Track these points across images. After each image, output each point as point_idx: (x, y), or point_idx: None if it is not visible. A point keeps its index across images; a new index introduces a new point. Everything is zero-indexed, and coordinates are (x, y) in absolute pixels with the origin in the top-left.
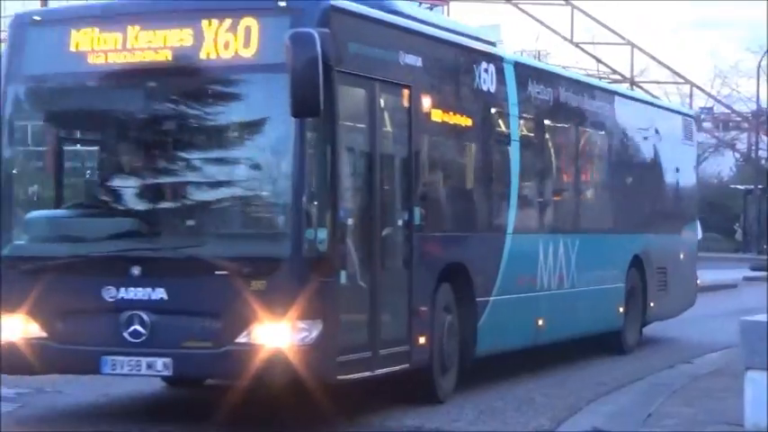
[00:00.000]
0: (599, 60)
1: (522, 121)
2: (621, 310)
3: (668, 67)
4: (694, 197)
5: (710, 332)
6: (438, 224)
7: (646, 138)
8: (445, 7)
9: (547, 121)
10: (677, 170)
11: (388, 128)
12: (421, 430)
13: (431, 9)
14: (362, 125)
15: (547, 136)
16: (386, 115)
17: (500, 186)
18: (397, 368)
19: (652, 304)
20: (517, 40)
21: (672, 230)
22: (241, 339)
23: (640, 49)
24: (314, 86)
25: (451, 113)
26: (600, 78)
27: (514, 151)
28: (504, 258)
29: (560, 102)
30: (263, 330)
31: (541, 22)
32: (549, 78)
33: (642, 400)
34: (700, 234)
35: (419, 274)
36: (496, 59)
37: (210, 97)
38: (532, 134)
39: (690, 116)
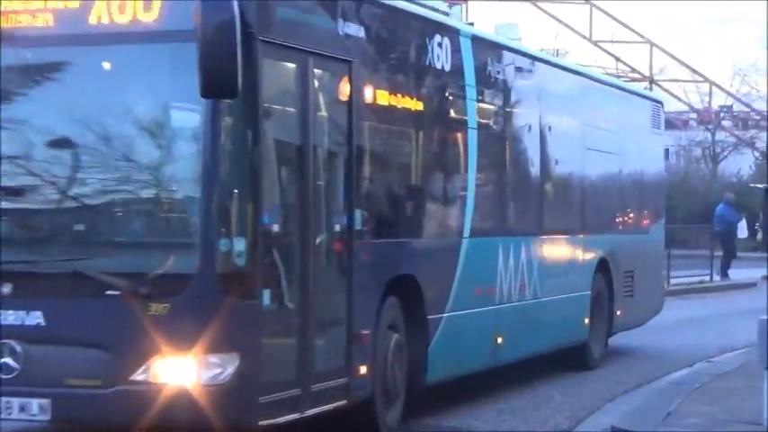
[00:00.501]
0: (618, 59)
1: (480, 106)
2: (586, 320)
3: (687, 66)
4: (662, 192)
5: (729, 331)
6: (383, 229)
7: (611, 125)
8: (464, 6)
9: (508, 107)
10: (645, 162)
11: (324, 112)
12: (440, 428)
13: (450, 7)
14: (292, 109)
15: (508, 123)
16: (321, 97)
17: (456, 182)
18: (332, 406)
19: (618, 312)
20: (536, 38)
21: (639, 230)
22: (137, 377)
23: (659, 48)
24: (229, 59)
25: (400, 96)
26: (619, 78)
27: (472, 141)
28: (459, 267)
29: (523, 84)
30: (164, 366)
31: (560, 21)
32: (511, 57)
33: (661, 399)
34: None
35: (361, 289)
36: (451, 32)
37: (101, 73)
38: (492, 121)
39: (658, 102)
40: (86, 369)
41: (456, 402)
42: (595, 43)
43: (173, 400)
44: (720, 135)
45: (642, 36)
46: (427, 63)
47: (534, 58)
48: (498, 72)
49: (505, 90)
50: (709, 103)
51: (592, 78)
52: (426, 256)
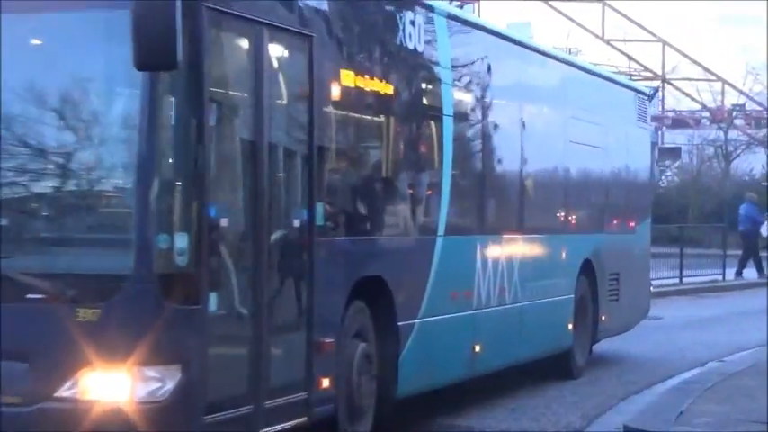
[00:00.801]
0: (630, 58)
1: (457, 92)
2: (570, 326)
3: (700, 65)
4: (649, 189)
5: (741, 330)
6: (349, 225)
7: (596, 118)
8: (476, 5)
9: (487, 94)
10: (631, 157)
11: (280, 93)
12: (453, 428)
13: (461, 7)
14: (243, 87)
15: (487, 112)
16: (279, 75)
17: (430, 175)
18: (290, 424)
19: (603, 317)
20: (548, 37)
21: (625, 230)
22: (63, 393)
23: (672, 47)
24: (167, 26)
25: (367, 78)
26: (631, 76)
27: (447, 130)
28: (433, 268)
29: (504, 69)
30: (94, 380)
31: (572, 20)
32: (491, 39)
33: (673, 398)
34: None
35: (323, 292)
36: (425, 9)
37: (19, 44)
38: (469, 109)
39: (644, 94)
40: (5, 384)
41: (469, 401)
42: (608, 42)
43: (104, 420)
44: (733, 134)
45: (654, 35)
46: (398, 42)
47: (515, 43)
48: (477, 55)
49: (484, 75)
50: (722, 101)
51: (576, 66)
52: (397, 255)
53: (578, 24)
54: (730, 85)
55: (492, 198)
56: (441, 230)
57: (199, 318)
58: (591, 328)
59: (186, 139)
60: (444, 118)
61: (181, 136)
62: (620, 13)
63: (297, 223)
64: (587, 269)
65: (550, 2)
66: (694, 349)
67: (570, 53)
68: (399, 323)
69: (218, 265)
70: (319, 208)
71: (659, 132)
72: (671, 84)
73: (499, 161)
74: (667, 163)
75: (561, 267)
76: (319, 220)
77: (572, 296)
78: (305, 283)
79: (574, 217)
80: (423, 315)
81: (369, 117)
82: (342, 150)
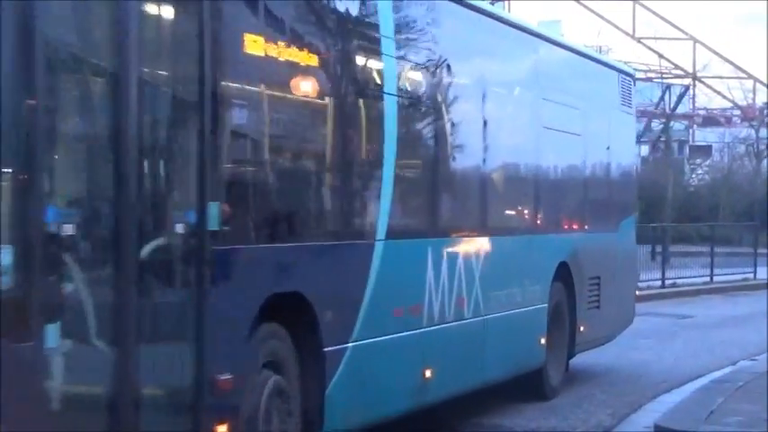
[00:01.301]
0: (661, 56)
1: (401, 66)
2: (543, 340)
3: (731, 62)
4: (633, 180)
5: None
6: (256, 230)
7: (573, 100)
8: (506, 3)
9: (441, 69)
10: (613, 145)
11: (159, 59)
12: (482, 426)
13: (492, 4)
14: (102, 47)
15: (441, 91)
16: (155, 38)
17: (366, 166)
18: None
19: (582, 328)
20: (578, 35)
21: (607, 227)
22: None
23: (703, 44)
24: None
25: (281, 44)
26: (662, 75)
27: (390, 112)
28: (371, 280)
29: (461, 41)
30: None
31: (603, 18)
32: (444, 5)
33: (704, 397)
34: None
35: (218, 315)
36: None
37: None
38: (418, 86)
39: (628, 75)
40: None
41: (498, 400)
42: (638, 40)
43: None
44: (764, 132)
45: (685, 32)
46: (324, 2)
47: (474, 9)
48: (429, 22)
49: (438, 47)
50: (753, 99)
51: (548, 41)
52: (321, 266)
53: (609, 22)
54: (761, 82)
55: (447, 193)
56: (380, 233)
57: (30, 358)
58: (567, 341)
59: (17, 117)
60: (385, 97)
61: (8, 112)
62: (650, 10)
63: (181, 229)
64: (563, 273)
65: (581, 0)
66: (725, 348)
67: (600, 51)
68: (326, 348)
69: (58, 286)
70: (213, 209)
71: (690, 130)
72: (702, 82)
73: (456, 149)
74: (698, 161)
75: (532, 273)
76: (213, 224)
77: (545, 305)
78: (192, 306)
79: (547, 214)
80: (357, 337)
81: (284, 95)
82: (246, 136)
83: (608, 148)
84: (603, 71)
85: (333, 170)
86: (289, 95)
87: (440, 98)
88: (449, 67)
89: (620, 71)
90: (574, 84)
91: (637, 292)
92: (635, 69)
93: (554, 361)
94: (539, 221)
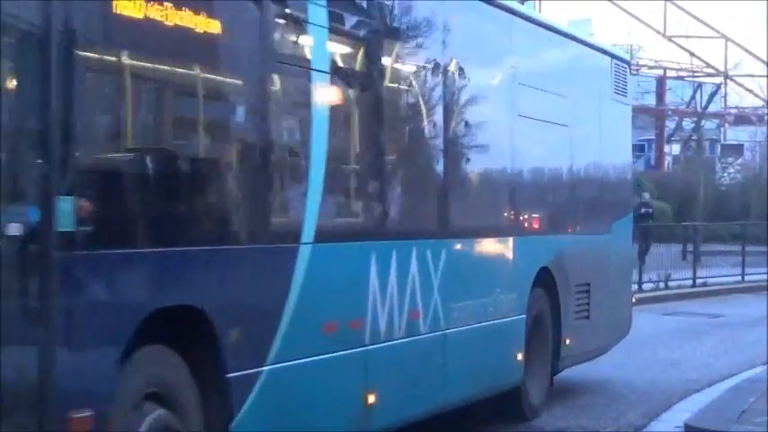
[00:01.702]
0: (692, 54)
1: (335, 39)
2: (520, 356)
3: (762, 61)
4: (628, 177)
5: None
6: (128, 230)
7: (557, 86)
8: (537, 2)
9: (388, 41)
10: (606, 138)
11: None
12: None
13: (522, 3)
14: None
15: (386, 67)
16: None
17: (286, 154)
18: None
19: (568, 341)
20: (609, 34)
21: (598, 229)
22: None
23: (734, 43)
24: None
25: (169, 6)
26: (693, 73)
27: (320, 90)
28: (293, 291)
29: (417, 12)
30: None
31: (634, 16)
32: None
33: (735, 397)
34: None
35: (76, 337)
36: None
37: None
38: (359, 62)
39: (623, 61)
40: None
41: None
42: (669, 38)
43: None
44: None
45: (717, 31)
46: None
47: None
48: None
49: (383, 16)
50: None
51: (526, 18)
52: (226, 274)
53: (639, 20)
54: None
55: (397, 188)
56: (307, 236)
57: None
58: (551, 355)
59: None
60: (314, 74)
61: None
62: (682, 9)
63: (17, 230)
64: (545, 280)
65: None
66: (756, 347)
67: (632, 50)
68: (231, 374)
69: None
70: (64, 206)
71: (722, 129)
72: (733, 80)
73: (409, 136)
74: (730, 160)
75: (506, 280)
76: (65, 224)
77: (522, 317)
78: (37, 327)
79: (525, 213)
80: (274, 360)
81: (171, 67)
82: (109, 114)
83: (600, 140)
84: (593, 55)
85: (241, 158)
86: (175, 68)
87: (388, 76)
88: (397, 39)
89: (614, 56)
90: (558, 68)
91: (634, 299)
92: (666, 68)
93: (534, 378)
94: (514, 222)
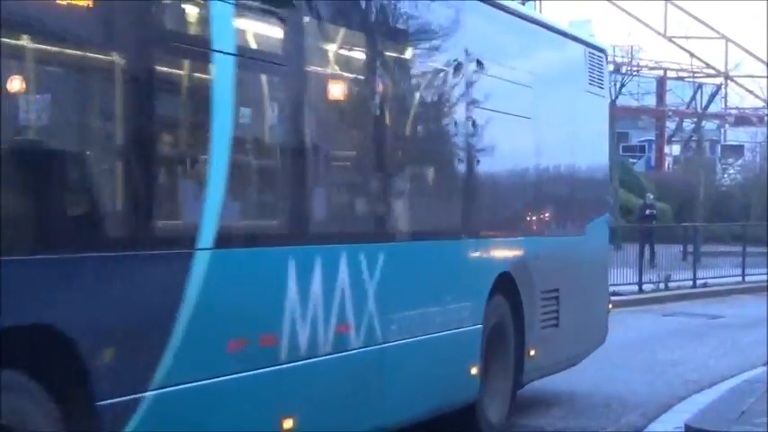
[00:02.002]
0: (692, 55)
1: (244, 16)
2: (475, 370)
3: (763, 61)
4: (605, 174)
5: None
6: None
7: (520, 75)
8: (537, 2)
9: (308, 17)
10: (578, 133)
11: None
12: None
13: (523, 4)
14: None
15: (307, 49)
16: None
17: (179, 145)
18: None
19: (533, 352)
20: (609, 34)
21: (568, 230)
22: None
23: (735, 43)
24: None
25: None
26: (693, 74)
27: (223, 74)
28: (187, 303)
29: None
30: None
31: (634, 17)
32: None
33: (735, 397)
34: None
35: None
36: None
37: None
38: (273, 43)
39: (600, 50)
40: None
41: (524, 400)
42: (670, 39)
43: None
44: None
45: (717, 31)
46: None
47: None
48: None
49: None
50: None
51: (490, 4)
52: (92, 288)
53: (640, 21)
54: None
55: (321, 185)
56: (205, 240)
57: None
58: (513, 368)
59: None
60: (215, 56)
61: None
62: (682, 9)
63: None
64: (506, 287)
65: None
66: (756, 348)
67: (632, 50)
68: (101, 402)
69: None
70: None
71: (722, 130)
72: (734, 81)
73: (337, 123)
74: (730, 161)
75: (459, 287)
76: None
77: (478, 327)
78: None
79: (481, 214)
80: (162, 383)
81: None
82: None
83: (571, 134)
84: (564, 44)
85: (115, 148)
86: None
87: (305, 59)
88: (318, 15)
89: (588, 45)
90: (521, 57)
91: (610, 306)
92: (666, 69)
93: (493, 394)
94: (468, 223)
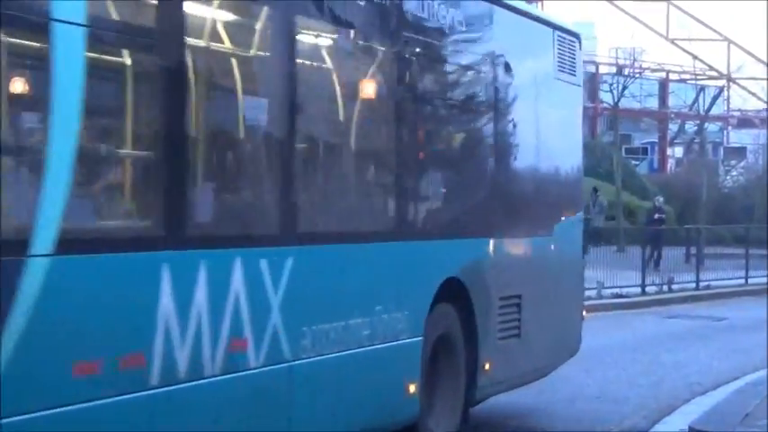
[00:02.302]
0: (695, 57)
1: None
2: (413, 388)
3: (765, 63)
4: (577, 170)
5: None
6: None
7: (470, 62)
8: (539, 3)
9: None
10: (545, 124)
11: None
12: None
13: (529, 2)
14: None
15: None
16: None
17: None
18: None
19: (488, 366)
20: (612, 37)
21: (533, 231)
22: None
23: (737, 45)
24: None
25: None
26: (696, 76)
27: (66, 46)
28: (12, 322)
29: None
30: None
31: (637, 19)
32: None
33: (739, 399)
34: None
35: None
36: None
37: None
38: (125, 12)
39: (572, 35)
40: None
41: (526, 402)
42: (672, 41)
43: None
44: None
45: (720, 33)
46: None
47: None
48: None
49: None
50: None
51: None
52: None
53: (642, 23)
54: None
55: (212, 178)
56: (41, 245)
57: None
58: (464, 384)
59: None
60: (56, 26)
61: None
62: (684, 11)
63: None
64: (454, 294)
65: (615, 1)
66: (760, 350)
67: (634, 52)
68: None
69: None
70: None
71: (724, 132)
72: (736, 83)
73: (227, 105)
74: (733, 163)
75: (390, 295)
76: None
77: (418, 339)
78: None
79: (419, 212)
80: None
81: None
82: None
83: (536, 124)
84: (528, 26)
85: None
86: None
87: (188, 27)
88: None
89: (557, 28)
90: (472, 39)
91: (584, 312)
92: (669, 71)
93: (439, 413)
94: (402, 223)
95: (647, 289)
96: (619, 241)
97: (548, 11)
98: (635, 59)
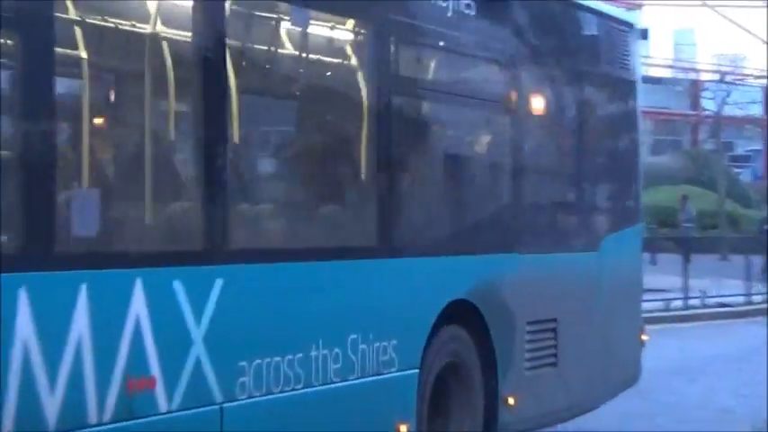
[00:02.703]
0: None
1: None
2: (404, 429)
3: None
4: (635, 177)
5: None
6: None
7: (492, 53)
8: (637, 10)
9: None
10: (590, 124)
11: None
12: None
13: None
14: None
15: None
16: None
17: None
18: None
19: (513, 400)
20: (713, 44)
21: (575, 246)
22: None
23: None
24: None
25: None
26: None
27: None
28: None
29: None
30: None
31: (738, 24)
32: None
33: None
34: None
35: None
36: None
37: None
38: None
39: (624, 24)
40: None
41: (629, 404)
42: None
43: None
44: None
45: None
46: None
47: None
48: None
49: None
50: None
51: None
52: None
53: (742, 28)
54: None
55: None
56: None
57: None
58: (481, 420)
59: None
60: None
61: None
62: None
63: None
64: (465, 317)
65: (715, 7)
66: None
67: (735, 59)
68: None
69: None
70: None
71: None
72: None
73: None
74: None
75: (372, 321)
76: None
77: (413, 371)
78: None
79: (413, 224)
80: None
81: None
82: None
83: (578, 123)
84: (572, 14)
85: None
86: None
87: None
88: None
89: (608, 17)
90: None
91: (644, 336)
92: None
93: None
94: (389, 237)
95: (753, 298)
96: (722, 250)
97: (648, 16)
98: (736, 66)
